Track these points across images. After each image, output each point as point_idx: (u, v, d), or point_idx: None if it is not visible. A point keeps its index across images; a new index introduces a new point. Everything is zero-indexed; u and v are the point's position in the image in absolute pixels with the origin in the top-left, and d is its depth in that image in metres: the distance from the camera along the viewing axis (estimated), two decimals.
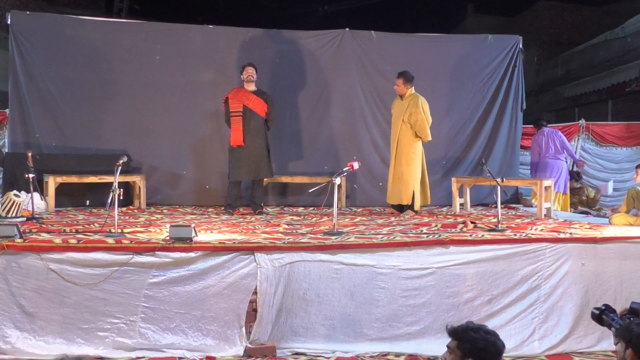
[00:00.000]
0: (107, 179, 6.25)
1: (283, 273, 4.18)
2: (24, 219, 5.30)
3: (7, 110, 7.24)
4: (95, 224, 5.04)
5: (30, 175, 5.48)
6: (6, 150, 7.10)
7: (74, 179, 6.46)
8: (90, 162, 6.82)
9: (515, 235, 4.73)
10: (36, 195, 5.75)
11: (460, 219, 5.72)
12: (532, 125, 8.62)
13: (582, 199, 8.52)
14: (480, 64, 7.89)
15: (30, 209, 5.50)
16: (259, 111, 6.40)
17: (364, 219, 6.07)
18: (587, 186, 8.71)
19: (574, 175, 8.50)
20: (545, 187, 6.25)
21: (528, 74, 10.56)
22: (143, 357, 3.98)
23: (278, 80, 7.48)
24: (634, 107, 11.78)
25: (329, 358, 4.10)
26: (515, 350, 4.35)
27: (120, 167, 4.68)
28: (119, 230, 4.51)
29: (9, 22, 6.91)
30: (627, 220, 5.40)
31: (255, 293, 4.13)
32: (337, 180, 4.84)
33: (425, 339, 4.29)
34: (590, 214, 7.22)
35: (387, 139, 7.08)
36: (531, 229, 5.03)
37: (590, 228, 5.16)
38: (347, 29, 7.69)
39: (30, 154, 6.02)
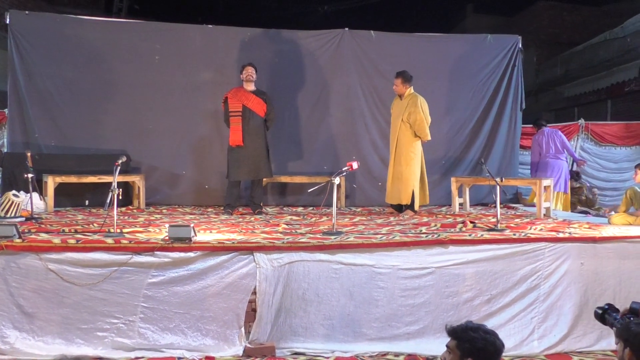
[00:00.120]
0: (106, 179, 6.26)
1: (282, 273, 4.18)
2: (23, 219, 5.30)
3: (6, 110, 7.24)
4: (95, 224, 5.04)
5: (29, 175, 5.49)
6: (5, 150, 7.09)
7: (73, 179, 6.45)
8: (89, 162, 6.82)
9: (514, 235, 4.73)
10: (35, 195, 5.76)
11: (459, 219, 5.73)
12: (531, 125, 8.62)
13: (581, 199, 8.52)
14: (479, 63, 7.89)
15: (29, 209, 5.51)
16: (258, 111, 6.40)
17: (363, 218, 6.07)
18: (586, 186, 8.71)
19: (573, 175, 8.50)
20: (545, 187, 6.25)
21: (527, 74, 10.56)
22: (142, 357, 3.98)
23: (277, 80, 7.47)
24: (633, 107, 11.79)
25: (328, 358, 4.10)
26: (515, 349, 4.35)
27: (119, 167, 4.68)
28: (118, 230, 4.51)
29: (7, 22, 6.90)
30: (626, 219, 5.40)
31: (254, 293, 4.13)
32: (337, 180, 4.84)
33: (424, 338, 4.29)
34: (589, 213, 7.22)
35: (386, 139, 7.08)
36: (530, 229, 5.02)
37: (589, 228, 5.16)
38: (347, 29, 7.69)
39: (29, 154, 6.03)
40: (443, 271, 4.39)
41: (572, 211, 7.65)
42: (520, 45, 7.98)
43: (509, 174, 7.66)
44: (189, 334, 4.07)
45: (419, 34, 7.96)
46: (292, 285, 4.20)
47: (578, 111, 13.64)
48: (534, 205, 6.65)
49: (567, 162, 8.11)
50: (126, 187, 6.84)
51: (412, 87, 6.47)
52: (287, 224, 5.47)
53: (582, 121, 9.50)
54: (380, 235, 4.68)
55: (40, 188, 6.27)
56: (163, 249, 4.09)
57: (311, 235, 4.68)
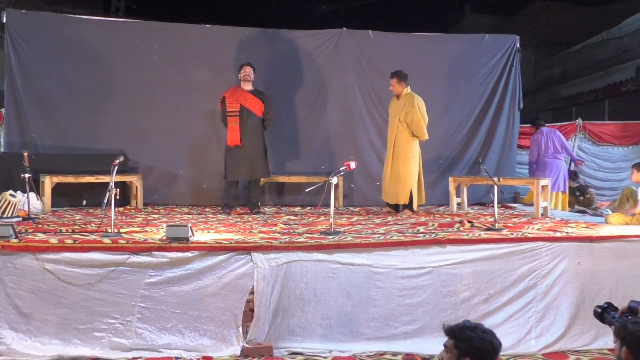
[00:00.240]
0: (103, 178, 6.24)
1: (280, 273, 4.18)
2: (20, 219, 5.28)
3: (2, 110, 7.23)
4: (92, 224, 5.03)
5: (27, 175, 5.47)
6: (2, 150, 7.08)
7: (70, 179, 6.44)
8: (86, 162, 6.80)
9: (512, 234, 4.74)
10: (32, 195, 5.74)
11: (457, 219, 5.73)
12: (529, 125, 8.63)
13: (578, 199, 8.54)
14: (477, 63, 7.90)
15: (26, 209, 5.49)
16: (256, 111, 6.39)
17: (361, 218, 6.07)
18: (587, 187, 8.73)
19: (571, 175, 8.52)
20: (542, 187, 6.26)
21: (525, 74, 10.56)
22: (140, 358, 3.97)
23: (275, 80, 7.47)
24: (630, 107, 11.81)
25: (326, 358, 4.10)
26: (512, 348, 4.35)
27: (116, 167, 4.67)
28: (116, 230, 4.50)
29: (4, 21, 6.89)
30: (623, 219, 5.42)
31: (252, 293, 4.13)
32: (334, 180, 4.84)
33: (422, 338, 4.29)
34: (586, 213, 7.24)
35: (384, 139, 7.08)
36: (528, 228, 5.03)
37: (586, 227, 5.17)
38: (345, 29, 7.69)
39: (26, 154, 5.99)
40: (441, 271, 4.40)
41: (569, 210, 7.66)
42: (517, 45, 7.99)
43: (507, 173, 7.67)
44: (187, 334, 4.07)
45: (417, 33, 7.97)
46: (289, 285, 4.20)
47: (575, 111, 13.66)
48: (532, 205, 6.66)
49: (565, 161, 8.12)
50: (124, 187, 6.83)
51: (409, 86, 6.47)
52: (284, 224, 5.46)
53: (579, 121, 9.52)
54: (378, 235, 4.68)
55: (37, 188, 6.24)
56: (160, 249, 4.09)
57: (309, 235, 4.68)
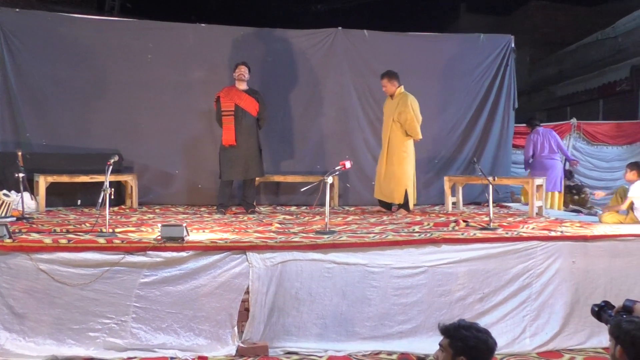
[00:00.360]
0: (98, 178, 6.22)
1: (275, 272, 4.18)
2: (14, 218, 5.25)
3: None
4: (87, 224, 5.01)
5: (20, 175, 5.44)
6: None
7: (64, 179, 6.41)
8: (81, 161, 6.77)
9: (506, 233, 4.75)
10: (26, 195, 5.72)
11: (452, 218, 5.74)
12: (524, 124, 8.66)
13: (573, 198, 8.57)
14: (472, 63, 7.92)
15: (20, 208, 5.46)
16: (251, 110, 6.38)
17: (356, 218, 6.07)
18: (583, 186, 8.77)
19: (567, 174, 8.55)
20: (537, 186, 6.28)
21: (520, 73, 10.59)
22: (135, 358, 3.96)
23: (270, 79, 7.46)
24: (624, 107, 11.85)
25: (321, 357, 4.10)
26: (507, 347, 4.37)
27: (111, 167, 4.66)
28: (110, 230, 4.48)
29: None
30: (617, 218, 5.44)
31: (247, 292, 4.13)
32: (329, 179, 4.84)
33: (417, 337, 4.30)
34: (581, 212, 7.27)
35: (379, 138, 7.08)
36: (523, 228, 5.05)
37: (580, 226, 5.20)
38: (340, 28, 7.68)
39: (20, 153, 5.98)
40: (436, 270, 4.41)
41: (564, 210, 7.70)
42: (513, 45, 8.02)
43: (502, 173, 7.69)
44: (182, 334, 4.06)
45: (412, 33, 7.97)
46: (285, 285, 4.20)
47: (570, 110, 13.71)
48: (527, 204, 6.68)
49: (560, 161, 8.15)
50: (118, 187, 6.81)
51: (402, 86, 6.48)
52: (280, 224, 5.46)
53: (574, 120, 9.56)
54: (373, 235, 4.69)
55: (31, 187, 6.22)
56: (155, 248, 4.08)
57: (304, 235, 4.68)
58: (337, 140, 7.67)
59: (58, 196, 6.59)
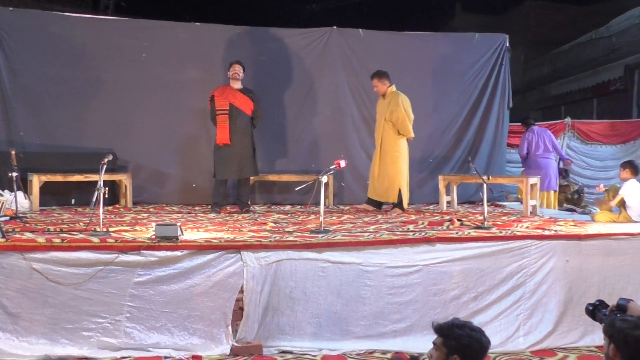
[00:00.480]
0: (92, 177, 6.18)
1: (269, 271, 4.17)
2: (7, 218, 5.23)
3: None
4: (80, 223, 4.99)
5: (14, 174, 5.41)
6: None
7: (58, 178, 6.38)
8: (75, 160, 6.74)
9: (501, 232, 4.77)
10: (20, 194, 5.68)
11: (446, 217, 5.75)
12: (519, 124, 8.68)
13: (567, 197, 8.61)
14: (467, 62, 7.93)
15: (13, 208, 5.43)
16: (245, 109, 6.37)
17: (351, 217, 6.07)
18: (573, 183, 8.80)
19: (561, 173, 8.59)
20: (531, 185, 6.30)
21: (515, 73, 10.62)
22: (128, 357, 3.95)
23: (265, 78, 7.45)
24: (618, 106, 11.92)
25: (315, 356, 4.10)
26: (501, 346, 4.38)
27: (105, 166, 4.63)
28: (104, 230, 4.47)
29: None
30: (610, 217, 5.47)
31: (241, 292, 4.13)
32: (324, 179, 4.84)
33: (411, 336, 4.31)
34: (575, 211, 7.30)
35: (374, 138, 7.09)
36: (517, 227, 5.06)
37: (574, 225, 5.21)
38: (335, 27, 7.68)
39: (13, 153, 5.94)
40: (430, 269, 4.41)
41: (558, 209, 7.73)
42: (507, 44, 8.04)
43: (496, 172, 7.71)
44: (176, 333, 4.05)
45: (407, 32, 7.97)
46: (279, 284, 4.19)
47: (565, 110, 13.76)
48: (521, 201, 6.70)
49: (555, 160, 8.18)
50: (113, 186, 6.77)
51: (393, 85, 6.49)
52: (274, 223, 5.46)
53: (568, 119, 9.59)
54: (368, 234, 4.69)
55: (25, 187, 6.19)
56: (150, 247, 4.07)
57: (299, 234, 4.68)
58: (332, 139, 7.66)
59: (52, 195, 6.56)
